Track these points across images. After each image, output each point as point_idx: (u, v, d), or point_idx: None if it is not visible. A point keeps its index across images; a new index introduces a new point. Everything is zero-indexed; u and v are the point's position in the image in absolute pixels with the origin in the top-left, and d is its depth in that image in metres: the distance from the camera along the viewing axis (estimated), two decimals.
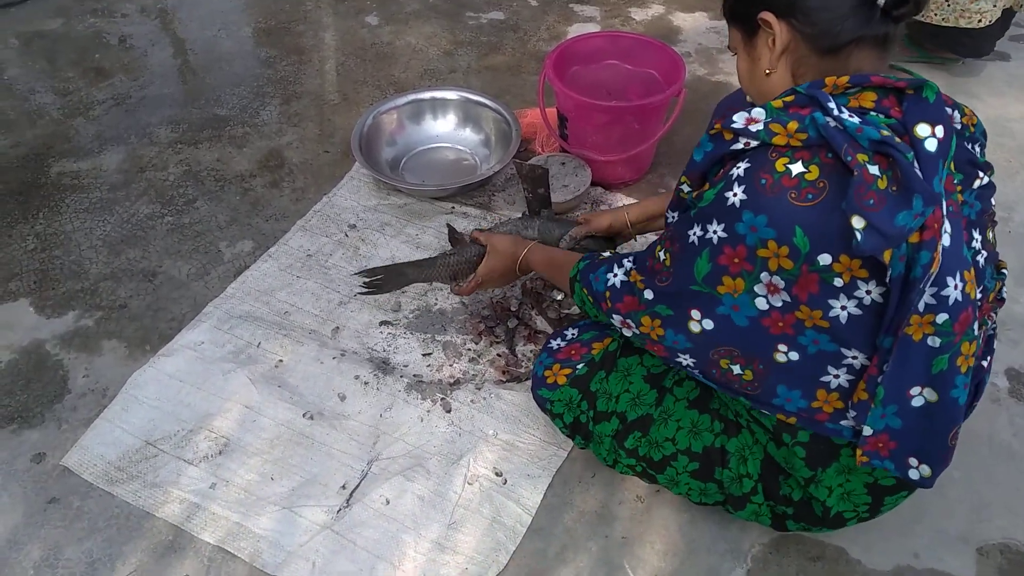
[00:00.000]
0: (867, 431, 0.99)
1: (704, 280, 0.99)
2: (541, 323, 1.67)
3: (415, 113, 2.14)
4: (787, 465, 1.14)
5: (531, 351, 1.63)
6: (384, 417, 1.50)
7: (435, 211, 1.95)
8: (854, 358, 0.97)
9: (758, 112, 0.95)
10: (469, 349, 1.63)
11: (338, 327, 1.67)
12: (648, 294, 1.08)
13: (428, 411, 1.51)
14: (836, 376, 0.99)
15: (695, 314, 1.02)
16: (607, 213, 1.56)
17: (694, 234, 0.99)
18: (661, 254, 1.06)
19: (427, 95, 2.13)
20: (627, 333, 1.16)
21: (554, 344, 1.37)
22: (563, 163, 1.97)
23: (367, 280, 1.58)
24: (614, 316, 1.15)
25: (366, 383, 1.55)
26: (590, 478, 1.42)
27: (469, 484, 1.39)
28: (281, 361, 1.59)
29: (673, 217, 1.14)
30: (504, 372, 1.58)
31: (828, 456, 1.09)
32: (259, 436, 1.46)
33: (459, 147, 2.15)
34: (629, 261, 1.15)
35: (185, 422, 1.48)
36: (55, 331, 1.67)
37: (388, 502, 1.37)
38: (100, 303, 1.74)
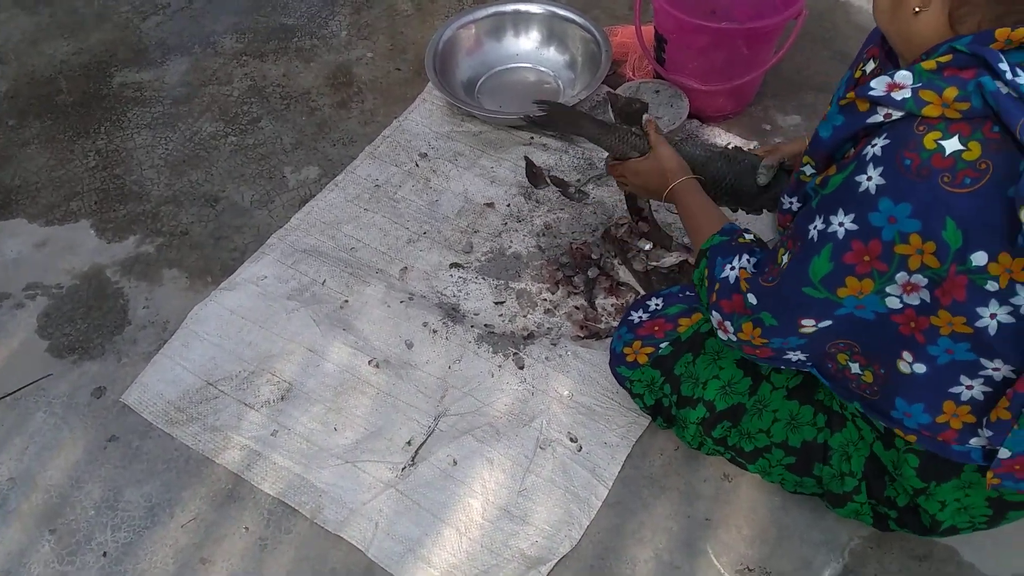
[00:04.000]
0: (1004, 453, 0.83)
1: (822, 282, 0.82)
2: (624, 274, 1.53)
3: (495, 28, 1.95)
4: (895, 471, 0.99)
5: (612, 305, 1.49)
6: (453, 370, 1.40)
7: (512, 141, 1.79)
8: (995, 369, 0.81)
9: (903, 76, 0.75)
10: (544, 299, 1.51)
11: (406, 267, 1.56)
12: (751, 298, 0.91)
13: (499, 366, 1.40)
14: (969, 388, 0.84)
15: (807, 323, 0.87)
16: (785, 142, 1.31)
17: (814, 228, 0.82)
18: (784, 257, 0.88)
19: (509, 7, 1.94)
20: (721, 336, 0.98)
21: (635, 317, 1.23)
22: (657, 91, 1.77)
23: (541, 111, 1.36)
24: (714, 313, 0.97)
25: (435, 331, 1.45)
26: (673, 450, 1.30)
27: (542, 449, 1.30)
28: (347, 301, 1.50)
29: (790, 203, 0.96)
30: (582, 327, 1.46)
31: (946, 472, 0.94)
32: (322, 382, 1.38)
33: (541, 68, 1.96)
34: (749, 258, 0.96)
35: (247, 363, 1.41)
36: (115, 256, 1.61)
37: (455, 463, 1.28)
38: (161, 228, 1.66)
